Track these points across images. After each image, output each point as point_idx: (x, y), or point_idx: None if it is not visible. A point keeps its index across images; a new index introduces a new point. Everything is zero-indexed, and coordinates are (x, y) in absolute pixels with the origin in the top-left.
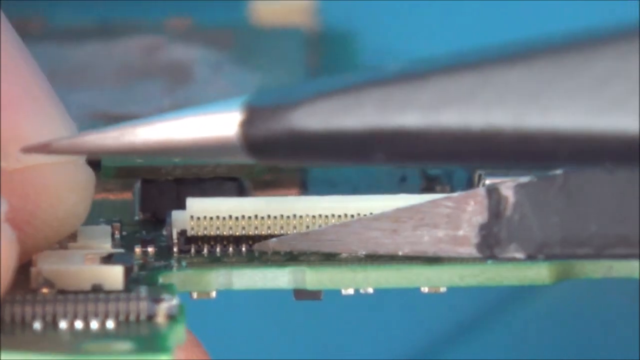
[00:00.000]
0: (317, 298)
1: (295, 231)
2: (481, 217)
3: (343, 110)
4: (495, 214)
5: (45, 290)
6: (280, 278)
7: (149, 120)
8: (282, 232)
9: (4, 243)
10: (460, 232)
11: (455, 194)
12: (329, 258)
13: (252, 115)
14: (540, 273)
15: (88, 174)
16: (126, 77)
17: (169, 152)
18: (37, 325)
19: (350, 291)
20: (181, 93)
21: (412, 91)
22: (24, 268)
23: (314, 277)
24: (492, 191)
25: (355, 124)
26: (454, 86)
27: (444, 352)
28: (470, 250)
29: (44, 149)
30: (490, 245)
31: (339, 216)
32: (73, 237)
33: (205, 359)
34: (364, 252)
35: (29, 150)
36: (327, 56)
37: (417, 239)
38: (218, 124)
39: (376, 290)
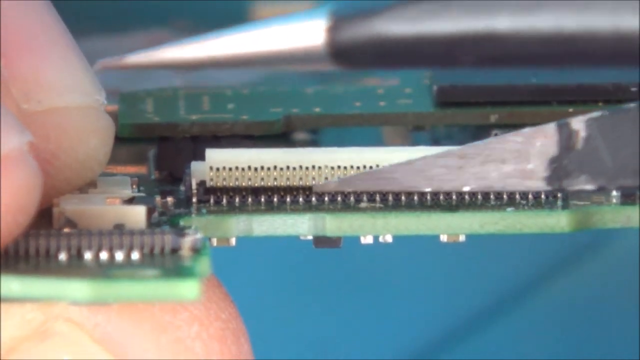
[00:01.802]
0: (336, 246)
1: (314, 182)
2: (551, 151)
3: (431, 14)
4: (566, 148)
5: (67, 229)
6: (300, 224)
7: (232, 30)
8: (300, 183)
9: (29, 171)
10: (529, 166)
11: (525, 130)
12: (349, 207)
13: (338, 22)
14: (559, 221)
15: (108, 120)
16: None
17: (253, 62)
18: (62, 256)
19: (370, 240)
20: (193, 75)
21: None
22: (45, 211)
23: (333, 224)
24: (563, 126)
25: (444, 28)
26: None
27: (444, 351)
28: (539, 184)
29: (119, 63)
30: (559, 177)
31: (358, 167)
32: (93, 185)
33: (226, 299)
34: (429, 189)
35: (105, 65)
36: None
37: (484, 174)
38: (304, 31)
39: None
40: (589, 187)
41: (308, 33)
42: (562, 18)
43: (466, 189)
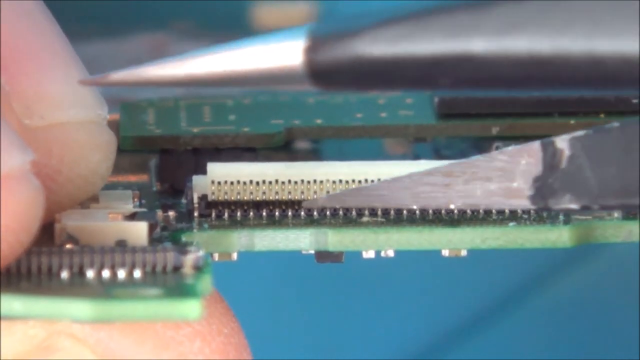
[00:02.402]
0: (338, 260)
1: (315, 196)
2: (535, 170)
3: (409, 36)
4: (550, 166)
5: (69, 245)
6: (302, 239)
7: (210, 50)
8: (302, 197)
9: (31, 190)
10: (514, 184)
11: (509, 148)
12: (351, 222)
13: (317, 43)
14: (561, 236)
15: (110, 134)
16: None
17: (231, 81)
18: (64, 274)
19: (371, 254)
20: None
21: (480, 17)
22: (47, 227)
23: (335, 238)
24: (547, 145)
25: (421, 50)
26: (523, 11)
27: (443, 354)
28: (523, 202)
29: (102, 81)
30: (544, 196)
31: (359, 181)
32: (95, 200)
33: (228, 313)
34: (415, 207)
35: (86, 83)
36: None
37: (470, 192)
38: (283, 52)
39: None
40: (573, 206)
41: (285, 54)
42: (537, 42)
43: (452, 206)
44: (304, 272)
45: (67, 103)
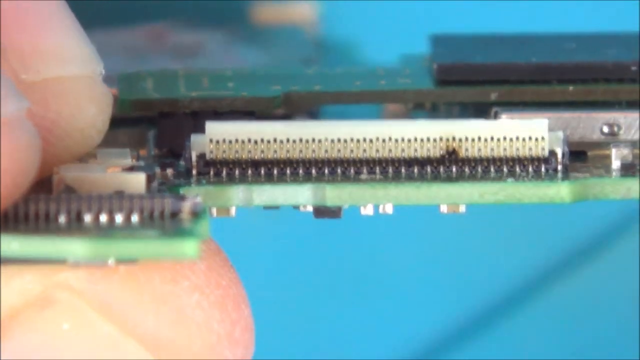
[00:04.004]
0: (336, 216)
1: (313, 155)
2: None
3: None
4: None
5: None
6: (300, 194)
7: None
8: (300, 156)
9: (28, 135)
10: None
11: None
12: (349, 179)
13: None
14: (559, 191)
15: (106, 89)
16: (133, 54)
17: None
18: (62, 219)
19: (370, 211)
20: (192, 63)
21: None
22: (45, 181)
23: (334, 193)
24: None
25: None
26: None
27: (444, 353)
28: None
29: None
30: None
31: (358, 140)
32: (93, 157)
33: (226, 265)
34: None
35: None
36: (330, 59)
37: None
38: None
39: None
40: None
41: None
42: None
43: None
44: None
45: (63, 58)
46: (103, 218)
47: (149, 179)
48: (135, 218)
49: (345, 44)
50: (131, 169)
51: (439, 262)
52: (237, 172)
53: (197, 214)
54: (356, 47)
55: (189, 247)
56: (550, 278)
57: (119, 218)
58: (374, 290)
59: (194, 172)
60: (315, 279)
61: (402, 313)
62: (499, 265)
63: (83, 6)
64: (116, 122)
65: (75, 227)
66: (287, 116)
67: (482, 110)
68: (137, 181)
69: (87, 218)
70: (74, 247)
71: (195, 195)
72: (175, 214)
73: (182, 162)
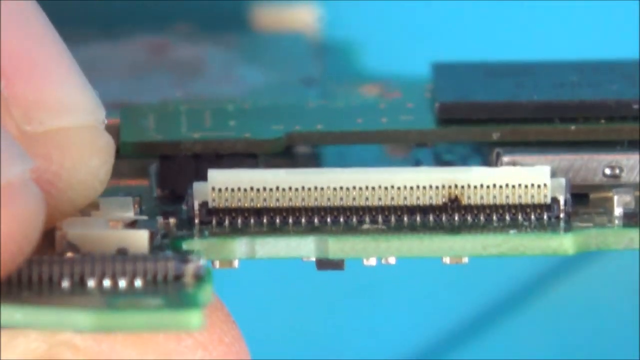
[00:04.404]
0: (339, 268)
1: (316, 204)
2: None
3: None
4: None
5: (70, 254)
6: (303, 246)
7: None
8: (303, 204)
9: (32, 199)
10: None
11: None
12: (352, 229)
13: None
14: (562, 244)
15: (108, 138)
16: (134, 73)
17: None
18: (65, 284)
19: (373, 262)
20: (192, 86)
21: None
22: (48, 235)
23: (336, 246)
24: None
25: None
26: None
27: (444, 352)
28: None
29: None
30: None
31: (360, 188)
32: (95, 207)
33: (229, 321)
34: None
35: None
36: (331, 64)
37: None
38: None
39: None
40: None
41: None
42: None
43: None
44: (305, 279)
45: (65, 108)
46: (107, 283)
47: (152, 236)
48: (138, 283)
49: (346, 51)
50: (133, 223)
51: (439, 262)
52: (239, 220)
53: (200, 277)
54: (357, 52)
55: (193, 318)
56: (551, 278)
57: (122, 283)
58: (374, 290)
59: (197, 221)
60: (315, 280)
61: (402, 313)
62: (499, 265)
63: (84, 19)
64: (118, 154)
65: (79, 292)
66: (289, 148)
67: (483, 148)
68: (140, 239)
69: (91, 283)
70: (78, 318)
71: (198, 255)
72: (178, 277)
73: (184, 207)
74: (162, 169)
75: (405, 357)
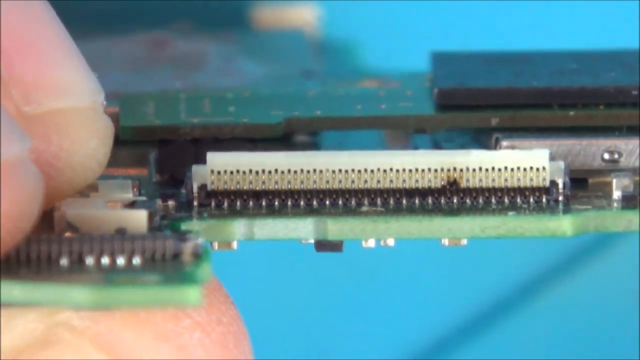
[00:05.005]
0: (338, 250)
1: (315, 186)
2: None
3: None
4: None
5: (69, 233)
6: (301, 228)
7: None
8: (302, 187)
9: (30, 178)
10: None
11: None
12: (350, 211)
13: None
14: (561, 225)
15: (107, 120)
16: (134, 67)
17: None
18: (64, 261)
19: (372, 244)
20: (192, 79)
21: None
22: (47, 216)
23: (335, 227)
24: None
25: None
26: None
27: (444, 353)
28: None
29: None
30: None
31: (359, 171)
32: (94, 189)
33: (227, 301)
34: None
35: None
36: (330, 62)
37: None
38: None
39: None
40: None
41: None
42: None
43: None
44: (304, 262)
45: (64, 90)
46: (105, 260)
47: (151, 216)
48: (137, 260)
49: (346, 47)
50: (133, 204)
51: (439, 262)
52: (238, 203)
53: (198, 255)
54: (356, 50)
55: (191, 294)
56: (551, 278)
57: (120, 261)
58: (374, 290)
59: (195, 203)
60: (314, 281)
61: (402, 313)
62: (499, 265)
63: (83, 15)
64: (117, 142)
65: (77, 269)
66: (287, 136)
67: (482, 135)
68: (139, 219)
69: (89, 261)
70: (76, 294)
71: (196, 234)
72: (176, 255)
73: (183, 191)
74: (161, 153)
75: (405, 357)
